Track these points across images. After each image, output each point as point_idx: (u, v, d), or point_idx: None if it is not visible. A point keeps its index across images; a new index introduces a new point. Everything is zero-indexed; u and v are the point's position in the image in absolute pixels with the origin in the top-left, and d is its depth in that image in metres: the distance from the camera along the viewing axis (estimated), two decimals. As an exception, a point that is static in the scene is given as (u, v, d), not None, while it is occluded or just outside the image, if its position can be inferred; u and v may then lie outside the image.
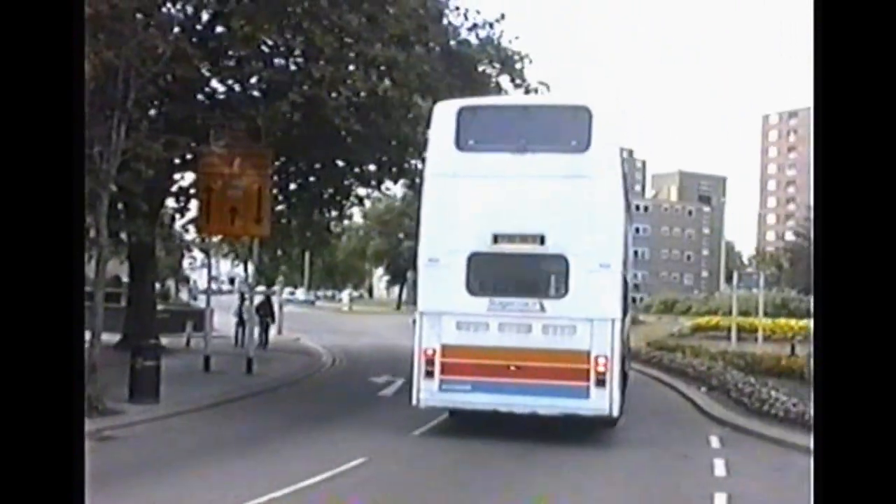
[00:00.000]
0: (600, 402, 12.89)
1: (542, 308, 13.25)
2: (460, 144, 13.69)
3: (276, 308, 29.89)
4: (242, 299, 29.67)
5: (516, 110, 15.32)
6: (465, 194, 13.64)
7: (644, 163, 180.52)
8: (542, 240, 13.35)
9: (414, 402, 13.66)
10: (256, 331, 26.91)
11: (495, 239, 13.45)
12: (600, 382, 12.85)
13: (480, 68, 24.31)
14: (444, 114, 14.03)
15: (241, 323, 29.08)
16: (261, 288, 37.59)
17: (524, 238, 13.51)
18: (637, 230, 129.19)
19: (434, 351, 13.40)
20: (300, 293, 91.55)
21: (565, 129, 13.87)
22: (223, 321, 35.13)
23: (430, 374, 13.43)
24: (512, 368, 13.14)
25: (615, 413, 13.17)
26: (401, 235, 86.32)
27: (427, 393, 13.50)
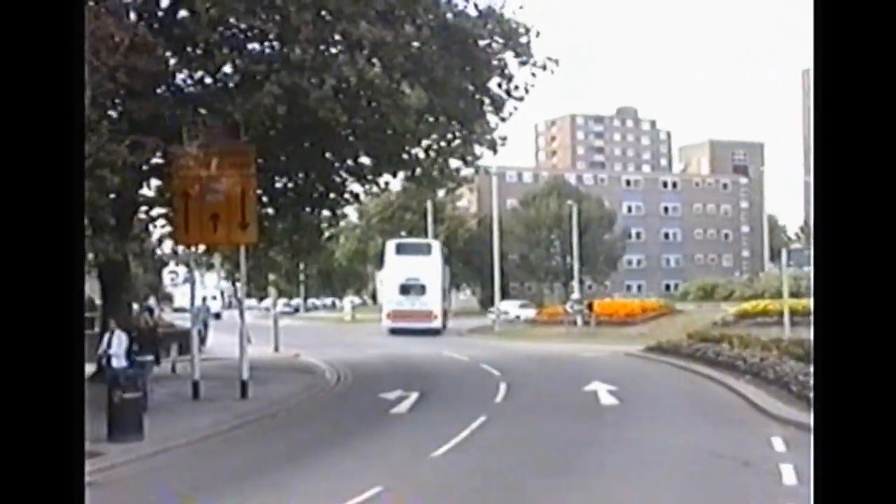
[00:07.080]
0: (438, 324, 54.71)
1: (420, 298, 54.99)
2: (398, 252, 57.92)
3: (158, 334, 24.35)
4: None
5: (412, 244, 62.98)
6: (399, 267, 56.38)
7: (669, 134, 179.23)
8: (418, 279, 55.48)
9: (383, 327, 54.99)
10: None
11: (407, 279, 55.48)
12: (437, 318, 54.89)
13: (482, 44, 23.71)
14: (392, 245, 59.78)
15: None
16: (151, 302, 37.16)
17: (414, 279, 55.35)
18: (666, 210, 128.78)
19: (391, 311, 55.42)
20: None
21: (424, 248, 60.02)
22: (215, 341, 34.96)
23: (389, 318, 55.24)
24: (414, 315, 53.89)
25: (442, 328, 55.28)
26: (403, 233, 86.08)
27: (388, 324, 54.71)
